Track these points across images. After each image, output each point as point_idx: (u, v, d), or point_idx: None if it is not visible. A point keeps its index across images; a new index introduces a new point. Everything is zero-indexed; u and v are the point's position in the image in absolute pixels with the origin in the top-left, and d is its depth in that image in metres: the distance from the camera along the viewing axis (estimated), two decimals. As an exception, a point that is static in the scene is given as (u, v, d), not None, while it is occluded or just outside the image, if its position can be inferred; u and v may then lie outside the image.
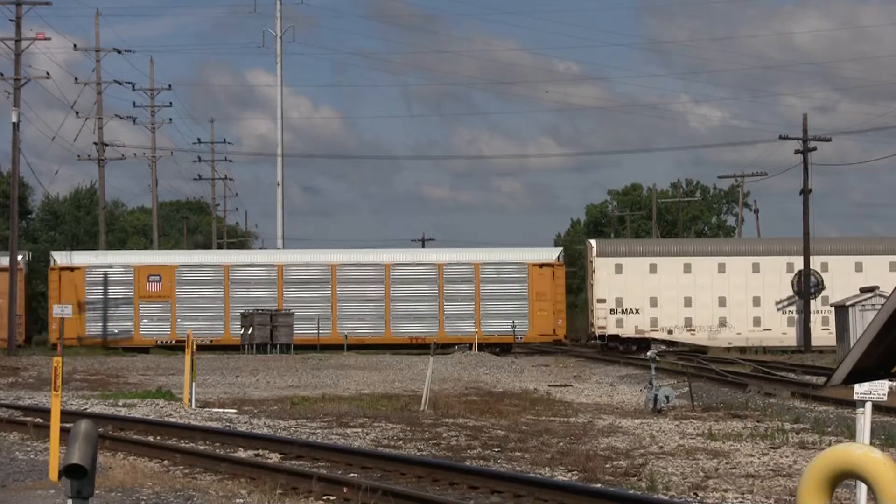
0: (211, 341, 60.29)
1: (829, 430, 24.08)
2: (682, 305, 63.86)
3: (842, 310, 54.68)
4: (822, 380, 36.04)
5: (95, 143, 74.97)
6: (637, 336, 63.65)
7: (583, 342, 68.03)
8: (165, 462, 19.75)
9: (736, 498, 16.27)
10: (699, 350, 61.98)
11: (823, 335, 62.20)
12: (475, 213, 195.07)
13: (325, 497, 16.22)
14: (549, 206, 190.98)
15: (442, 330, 61.44)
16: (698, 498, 16.28)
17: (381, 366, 48.05)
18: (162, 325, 61.11)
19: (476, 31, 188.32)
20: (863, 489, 12.26)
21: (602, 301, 63.79)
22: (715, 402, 30.82)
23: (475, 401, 31.44)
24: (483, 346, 60.87)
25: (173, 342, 60.39)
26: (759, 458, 20.16)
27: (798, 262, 63.54)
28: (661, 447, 21.66)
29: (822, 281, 63.16)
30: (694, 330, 63.69)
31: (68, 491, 10.09)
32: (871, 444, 13.15)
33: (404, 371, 45.04)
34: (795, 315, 63.34)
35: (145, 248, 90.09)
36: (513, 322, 61.15)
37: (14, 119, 58.16)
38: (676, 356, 54.33)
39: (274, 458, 20.26)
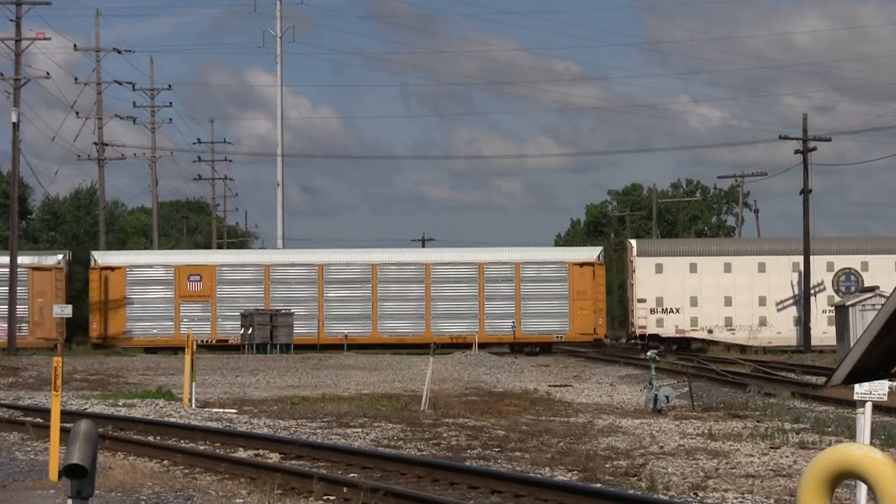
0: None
1: (829, 430, 24.08)
2: (722, 305, 63.87)
3: (842, 310, 54.65)
4: (822, 380, 36.03)
5: (95, 143, 74.96)
6: (677, 336, 63.74)
7: (622, 342, 67.92)
8: (165, 462, 19.75)
9: (736, 498, 16.26)
10: (741, 349, 62.03)
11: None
12: (475, 213, 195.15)
13: (325, 497, 16.21)
14: (549, 206, 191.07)
15: (482, 329, 61.49)
16: (698, 498, 16.28)
17: (381, 366, 48.04)
18: (202, 324, 61.06)
19: (475, 30, 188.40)
20: (863, 489, 12.26)
21: (642, 301, 63.93)
22: (715, 402, 30.82)
23: (475, 401, 31.44)
24: (524, 346, 61.12)
25: (214, 342, 60.45)
26: (759, 458, 20.16)
27: (838, 262, 63.58)
28: (661, 447, 21.66)
29: (862, 280, 62.97)
30: (734, 329, 63.66)
31: (68, 491, 10.09)
32: (871, 444, 13.14)
33: (404, 371, 45.03)
34: (833, 314, 63.13)
35: (145, 249, 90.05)
36: (512, 322, 61.13)
37: (14, 119, 58.15)
38: (676, 356, 54.33)
39: (274, 458, 20.26)
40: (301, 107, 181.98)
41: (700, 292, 63.96)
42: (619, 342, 70.71)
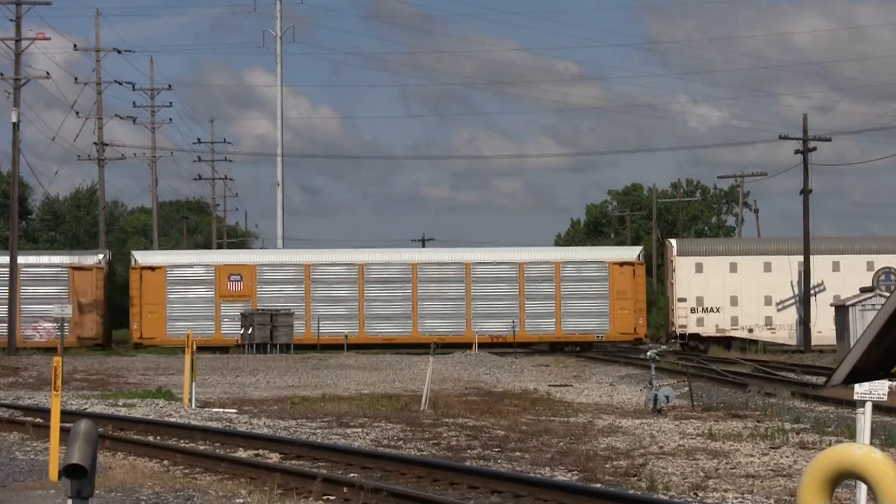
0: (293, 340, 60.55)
1: (829, 430, 24.08)
2: (762, 304, 63.82)
3: (842, 310, 54.64)
4: (822, 380, 36.02)
5: (95, 143, 74.97)
6: (718, 335, 63.75)
7: (662, 341, 67.98)
8: (165, 462, 19.75)
9: (736, 498, 16.26)
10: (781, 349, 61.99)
11: None
12: (474, 213, 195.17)
13: (325, 497, 16.21)
14: (549, 206, 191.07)
15: (523, 329, 61.55)
16: (698, 498, 16.28)
17: (380, 366, 48.05)
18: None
19: (475, 30, 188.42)
20: (863, 489, 12.26)
21: (683, 300, 63.98)
22: (715, 402, 30.81)
23: (475, 401, 31.43)
24: (564, 345, 61.18)
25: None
26: (759, 458, 20.16)
27: (878, 261, 63.55)
28: (661, 447, 21.66)
29: None
30: (774, 329, 63.62)
31: (68, 491, 10.09)
32: (871, 444, 13.14)
33: (404, 371, 45.03)
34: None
35: (145, 249, 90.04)
36: (512, 321, 61.15)
37: (14, 119, 58.16)
38: (677, 356, 54.30)
39: (274, 458, 20.26)
40: (301, 107, 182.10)
41: (740, 291, 64.01)
42: (658, 342, 70.52)
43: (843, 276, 63.51)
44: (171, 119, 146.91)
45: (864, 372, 11.08)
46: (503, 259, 62.86)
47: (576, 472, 18.57)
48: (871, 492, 8.74)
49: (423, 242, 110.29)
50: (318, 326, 60.95)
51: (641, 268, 63.10)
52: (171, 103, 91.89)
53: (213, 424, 25.04)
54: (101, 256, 63.11)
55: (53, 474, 17.44)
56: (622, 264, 62.31)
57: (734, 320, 63.90)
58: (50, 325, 60.46)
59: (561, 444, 22.16)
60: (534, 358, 56.42)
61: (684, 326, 63.87)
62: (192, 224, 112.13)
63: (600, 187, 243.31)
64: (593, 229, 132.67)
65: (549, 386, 37.83)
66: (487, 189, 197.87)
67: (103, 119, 75.89)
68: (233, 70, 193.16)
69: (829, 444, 19.00)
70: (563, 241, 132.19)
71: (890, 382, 12.76)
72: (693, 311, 63.91)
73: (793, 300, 63.87)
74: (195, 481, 17.82)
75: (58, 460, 17.22)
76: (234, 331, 60.42)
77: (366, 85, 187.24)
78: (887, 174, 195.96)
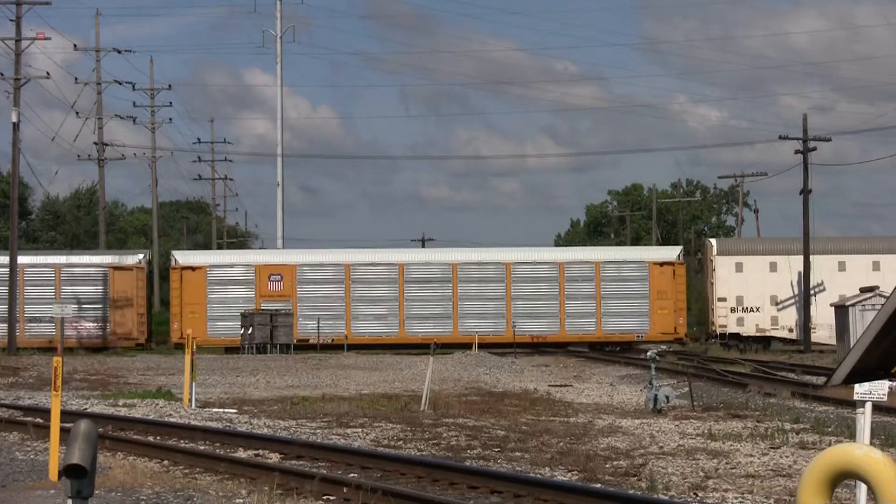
0: (332, 340, 60.72)
1: (829, 430, 24.07)
2: (802, 303, 63.72)
3: (842, 310, 54.62)
4: (822, 380, 36.01)
5: (95, 143, 75.01)
6: (758, 335, 63.65)
7: (702, 341, 68.08)
8: (165, 462, 19.75)
9: (736, 498, 16.26)
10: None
11: None
12: (474, 213, 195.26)
13: (324, 497, 16.21)
14: (548, 206, 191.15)
15: (563, 328, 61.62)
16: (698, 498, 16.27)
17: (380, 366, 48.04)
18: None
19: (473, 30, 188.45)
20: (863, 489, 12.25)
21: (723, 300, 63.93)
22: (715, 402, 30.80)
23: (475, 401, 31.44)
24: (605, 345, 61.35)
25: (294, 341, 60.47)
26: (759, 458, 20.16)
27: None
28: (661, 447, 21.65)
29: None
30: (815, 328, 63.57)
31: (68, 491, 10.10)
32: (871, 444, 13.14)
33: (404, 371, 45.04)
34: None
35: (145, 248, 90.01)
36: (507, 321, 61.17)
37: (14, 119, 58.14)
38: (677, 356, 54.28)
39: (274, 458, 20.26)
40: (300, 107, 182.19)
41: (780, 291, 63.90)
42: (698, 341, 70.42)
43: (884, 275, 62.97)
44: (171, 119, 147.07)
45: (864, 372, 11.09)
46: (543, 259, 63.04)
47: (576, 472, 18.57)
48: (871, 492, 8.74)
49: (423, 243, 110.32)
50: (353, 327, 61.08)
51: (682, 267, 63.16)
52: (171, 103, 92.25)
53: (213, 424, 25.03)
54: (141, 256, 63.44)
55: (53, 474, 17.44)
56: (662, 264, 62.39)
57: (774, 320, 63.75)
58: (91, 324, 60.67)
59: (561, 444, 22.15)
60: (534, 358, 56.41)
61: (724, 326, 63.86)
62: (192, 224, 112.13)
63: (600, 187, 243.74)
64: (593, 229, 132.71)
65: (549, 386, 37.84)
66: (487, 189, 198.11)
67: (103, 119, 75.97)
68: (232, 70, 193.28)
69: (829, 444, 19.00)
70: (563, 241, 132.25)
71: (890, 382, 12.76)
72: (733, 310, 63.88)
73: (830, 299, 63.66)
74: (195, 481, 17.82)
75: (58, 460, 17.22)
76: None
77: (365, 85, 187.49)
78: (887, 174, 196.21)
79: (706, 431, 23.88)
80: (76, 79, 75.64)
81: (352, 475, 17.68)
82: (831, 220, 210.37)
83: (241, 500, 15.92)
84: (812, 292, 64.30)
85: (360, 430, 24.45)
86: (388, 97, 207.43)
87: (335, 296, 61.53)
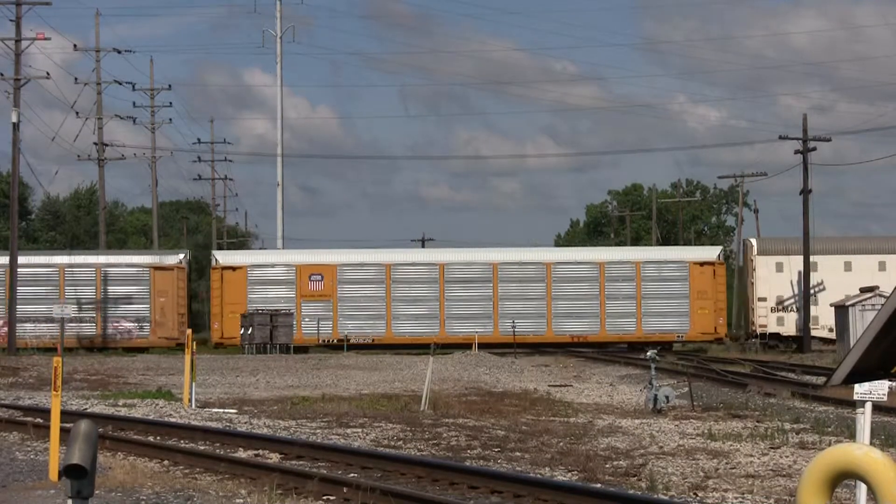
0: (373, 340, 60.65)
1: (829, 430, 24.07)
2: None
3: (842, 310, 54.62)
4: (822, 380, 36.01)
5: (95, 144, 74.97)
6: (798, 334, 63.55)
7: (742, 341, 67.97)
8: (165, 462, 19.75)
9: (736, 498, 16.26)
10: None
11: None
12: (474, 213, 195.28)
13: (324, 497, 16.22)
14: (548, 206, 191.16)
15: (603, 328, 61.70)
16: (698, 498, 16.27)
17: (380, 366, 48.04)
18: (324, 324, 61.18)
19: (473, 30, 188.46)
20: (863, 489, 12.26)
21: (763, 299, 63.78)
22: (715, 402, 30.80)
23: (475, 401, 31.44)
24: (645, 345, 61.08)
25: (335, 341, 60.54)
26: (759, 458, 20.16)
27: None
28: (661, 447, 21.65)
29: None
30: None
31: (68, 491, 10.10)
32: (871, 444, 13.14)
33: (404, 371, 45.03)
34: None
35: (145, 248, 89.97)
36: (513, 322, 61.14)
37: (14, 119, 58.13)
38: (677, 356, 54.28)
39: (274, 458, 20.26)
40: (300, 107, 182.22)
41: (820, 291, 63.74)
42: (738, 341, 70.19)
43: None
44: (170, 119, 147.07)
45: (863, 372, 11.09)
46: (584, 259, 63.16)
47: (576, 472, 18.57)
48: (871, 492, 8.74)
49: (423, 243, 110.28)
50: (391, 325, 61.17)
51: (721, 268, 63.19)
52: (170, 103, 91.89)
53: (213, 424, 25.03)
54: (181, 256, 63.60)
55: (53, 474, 17.44)
56: (702, 264, 62.38)
57: (814, 319, 63.59)
58: (131, 324, 60.79)
59: (561, 444, 22.15)
60: (533, 358, 56.40)
61: (764, 326, 63.75)
62: (192, 224, 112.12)
63: (599, 187, 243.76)
64: (593, 229, 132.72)
65: (549, 386, 37.83)
66: (487, 189, 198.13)
67: (103, 119, 75.92)
68: (232, 70, 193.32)
69: (829, 444, 19.00)
70: (562, 241, 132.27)
71: (890, 382, 12.77)
72: (773, 310, 63.75)
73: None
74: (195, 481, 17.82)
75: (58, 460, 17.22)
76: (314, 331, 60.80)
77: (365, 85, 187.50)
78: (887, 174, 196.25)
79: (706, 431, 23.88)
80: (76, 79, 75.62)
81: (352, 475, 17.68)
82: (831, 220, 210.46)
83: (241, 500, 15.92)
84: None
85: (360, 430, 24.45)
86: (388, 97, 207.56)
87: (376, 295, 61.53)
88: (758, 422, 25.93)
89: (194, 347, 29.60)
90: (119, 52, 75.50)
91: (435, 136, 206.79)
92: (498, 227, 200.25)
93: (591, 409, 29.90)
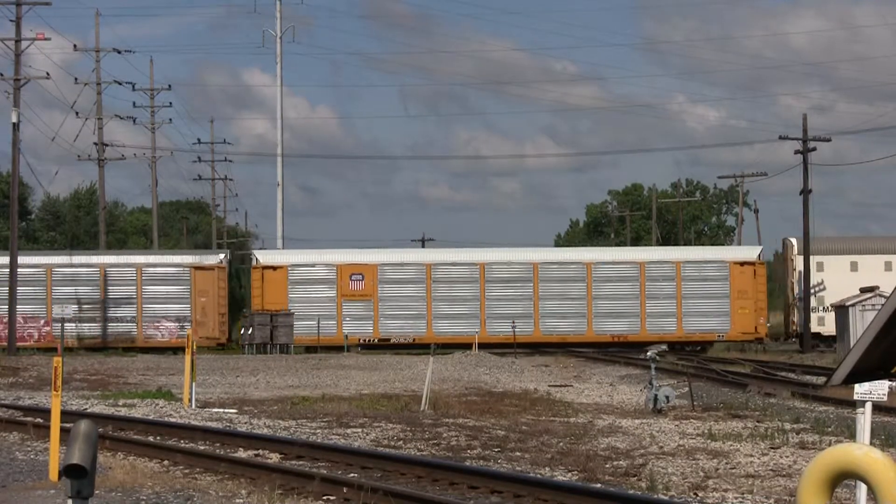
0: (413, 340, 60.69)
1: (829, 430, 24.07)
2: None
3: (842, 310, 54.61)
4: (822, 380, 36.00)
5: (95, 144, 74.97)
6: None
7: (782, 340, 67.75)
8: (165, 462, 19.75)
9: (736, 498, 16.26)
10: None
11: None
12: (474, 213, 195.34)
13: (324, 497, 16.22)
14: (548, 206, 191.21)
15: (644, 328, 61.71)
16: (698, 498, 16.27)
17: (380, 366, 48.04)
18: (364, 323, 61.17)
19: (473, 30, 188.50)
20: (863, 489, 12.26)
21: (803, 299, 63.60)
22: (715, 402, 30.80)
23: (475, 401, 31.43)
24: (685, 344, 61.33)
25: (376, 340, 60.56)
26: (759, 458, 20.16)
27: None
28: (661, 447, 21.65)
29: None
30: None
31: (68, 491, 10.10)
32: (871, 444, 13.14)
33: (404, 371, 45.03)
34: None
35: (145, 248, 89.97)
36: (513, 321, 61.10)
37: (14, 119, 58.12)
38: (677, 356, 54.27)
39: (274, 458, 20.26)
40: (299, 107, 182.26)
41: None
42: (778, 341, 69.92)
43: None
44: (170, 119, 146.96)
45: (864, 372, 11.09)
46: (624, 259, 63.22)
47: (576, 472, 18.57)
48: (871, 492, 8.74)
49: (423, 243, 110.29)
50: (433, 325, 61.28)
51: (762, 267, 63.09)
52: (170, 103, 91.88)
53: (213, 424, 25.03)
54: (222, 256, 63.82)
55: (53, 474, 17.44)
56: (742, 264, 62.33)
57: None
58: (171, 324, 60.91)
59: (561, 444, 22.15)
60: (534, 358, 56.39)
61: None
62: (192, 224, 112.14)
63: (600, 187, 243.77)
64: (593, 229, 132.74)
65: (550, 386, 37.82)
66: (487, 189, 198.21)
67: (103, 119, 75.92)
68: (232, 70, 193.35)
69: (829, 444, 19.00)
70: (562, 241, 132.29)
71: (890, 382, 12.77)
72: (814, 310, 63.61)
73: None
74: (195, 481, 17.82)
75: (58, 460, 17.22)
76: (354, 330, 60.78)
77: (365, 85, 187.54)
78: (887, 174, 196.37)
79: (706, 431, 23.87)
80: (76, 79, 75.60)
81: (352, 475, 17.68)
82: (831, 220, 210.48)
83: (241, 500, 15.92)
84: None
85: (360, 430, 24.45)
86: (388, 97, 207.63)
87: (416, 295, 61.55)
88: (758, 422, 25.93)
89: (195, 347, 29.59)
90: (119, 52, 75.51)
91: (435, 136, 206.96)
92: (498, 228, 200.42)
93: (591, 409, 29.89)
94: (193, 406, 28.66)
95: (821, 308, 63.78)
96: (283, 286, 61.10)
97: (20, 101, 58.84)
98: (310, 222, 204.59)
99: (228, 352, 60.01)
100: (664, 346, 60.58)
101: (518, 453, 20.78)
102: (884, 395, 13.25)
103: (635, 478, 17.93)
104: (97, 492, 13.58)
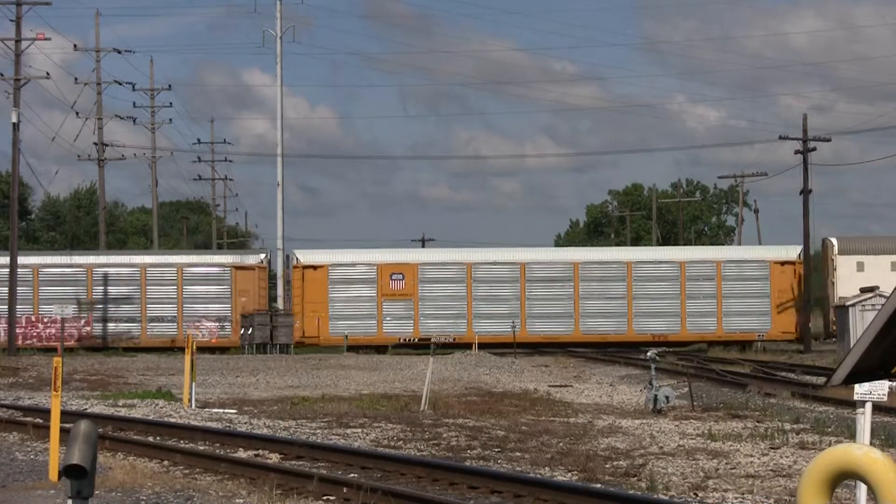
0: (454, 339, 60.61)
1: (829, 430, 24.07)
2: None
3: (842, 310, 54.59)
4: (822, 380, 35.99)
5: (95, 144, 74.97)
6: None
7: (821, 340, 67.61)
8: (165, 462, 19.75)
9: (736, 498, 16.27)
10: None
11: None
12: (474, 213, 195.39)
13: (324, 497, 16.22)
14: (548, 206, 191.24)
15: (684, 327, 61.67)
16: (698, 498, 16.28)
17: (380, 366, 48.03)
18: (405, 323, 61.16)
19: (473, 30, 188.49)
20: (863, 489, 12.25)
21: (844, 299, 63.43)
22: (715, 402, 30.79)
23: (475, 401, 31.42)
24: (725, 344, 61.30)
25: (416, 340, 60.58)
26: (759, 459, 20.16)
27: None
28: (661, 447, 21.66)
29: None
30: None
31: (68, 491, 10.10)
32: (871, 444, 13.14)
33: (404, 371, 45.02)
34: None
35: (145, 248, 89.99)
36: (512, 322, 61.11)
37: (14, 119, 58.10)
38: (677, 356, 54.25)
39: (274, 458, 20.26)
40: (299, 107, 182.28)
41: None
42: (818, 340, 69.68)
43: None
44: (170, 119, 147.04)
45: (864, 372, 11.08)
46: (665, 258, 63.21)
47: (576, 472, 18.57)
48: (871, 492, 8.74)
49: (423, 243, 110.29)
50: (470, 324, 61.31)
51: (802, 267, 62.98)
52: (170, 103, 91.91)
53: (213, 425, 25.03)
54: (263, 256, 63.86)
55: (53, 474, 17.44)
56: (783, 263, 62.30)
57: None
58: (212, 324, 60.95)
59: (561, 444, 22.15)
60: (533, 358, 56.39)
61: None
62: (192, 224, 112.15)
63: (600, 187, 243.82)
64: (593, 229, 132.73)
65: (549, 386, 37.81)
66: (486, 189, 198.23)
67: (103, 119, 75.92)
68: (232, 70, 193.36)
69: (829, 444, 19.00)
70: (563, 241, 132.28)
71: (890, 382, 12.76)
72: None
73: None
74: (195, 481, 17.82)
75: (58, 460, 17.22)
76: (395, 330, 60.77)
77: (364, 85, 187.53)
78: (887, 174, 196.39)
79: (706, 431, 23.87)
80: (76, 79, 75.60)
81: (352, 475, 17.68)
82: (831, 220, 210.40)
83: (241, 500, 15.92)
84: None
85: (360, 430, 24.45)
86: (388, 97, 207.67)
87: (457, 294, 61.53)
88: (758, 422, 25.93)
89: (193, 350, 29.58)
90: (119, 52, 75.51)
91: (435, 136, 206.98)
92: (498, 228, 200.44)
93: (591, 409, 29.89)
94: (193, 406, 28.66)
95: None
96: (323, 285, 61.02)
97: (20, 101, 58.85)
98: (310, 222, 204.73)
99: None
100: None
101: (518, 453, 20.78)
102: (884, 395, 13.24)
103: (635, 478, 17.93)
104: (97, 492, 13.58)
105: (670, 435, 23.62)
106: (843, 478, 8.85)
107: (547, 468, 19.03)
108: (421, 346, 59.44)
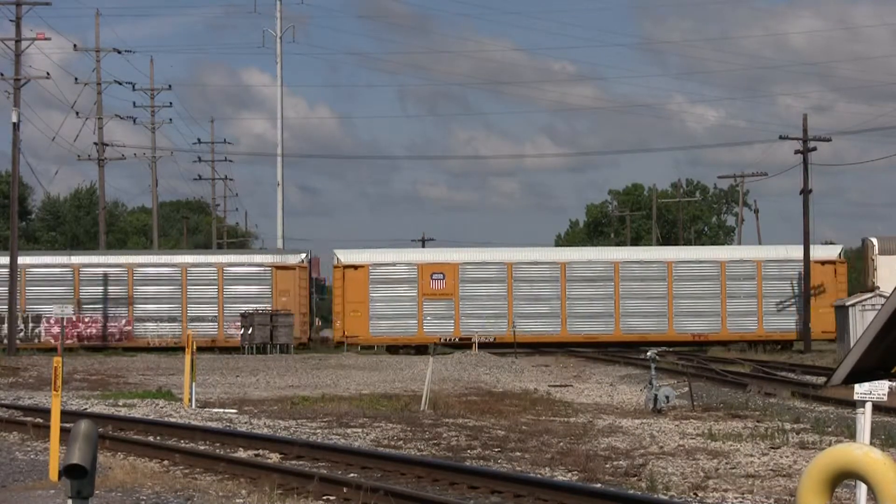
0: (494, 339, 60.57)
1: (829, 430, 24.08)
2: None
3: (842, 310, 54.59)
4: (822, 380, 35.99)
5: (95, 144, 74.97)
6: None
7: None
8: (165, 462, 19.75)
9: (736, 498, 16.27)
10: None
11: None
12: (473, 213, 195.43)
13: (324, 497, 16.22)
14: (547, 206, 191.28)
15: (724, 327, 61.62)
16: (698, 498, 16.28)
17: (380, 366, 48.04)
18: (445, 322, 61.10)
19: (472, 30, 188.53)
20: (863, 489, 12.26)
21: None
22: (715, 402, 30.80)
23: (475, 401, 31.43)
24: (765, 343, 61.20)
25: (457, 339, 60.54)
26: (759, 458, 20.16)
27: None
28: (661, 447, 21.66)
29: None
30: None
31: (68, 491, 10.10)
32: (871, 444, 13.14)
33: (404, 371, 45.03)
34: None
35: (145, 248, 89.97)
36: (512, 322, 61.13)
37: (14, 119, 58.12)
38: (677, 356, 54.26)
39: (274, 458, 20.26)
40: (298, 107, 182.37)
41: None
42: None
43: None
44: (170, 119, 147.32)
45: (864, 372, 11.08)
46: (704, 257, 63.13)
47: (576, 472, 18.57)
48: (871, 492, 8.74)
49: (423, 242, 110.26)
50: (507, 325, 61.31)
51: (843, 266, 62.92)
52: (170, 103, 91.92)
53: (213, 424, 25.04)
54: (303, 255, 63.79)
55: (53, 474, 17.44)
56: (823, 263, 62.24)
57: None
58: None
59: (561, 444, 22.16)
60: (534, 358, 56.41)
61: None
62: (192, 224, 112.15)
63: (599, 187, 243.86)
64: (593, 229, 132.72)
65: (550, 386, 37.82)
66: (486, 189, 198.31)
67: (103, 119, 75.92)
68: (232, 70, 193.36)
69: (829, 444, 19.00)
70: (562, 241, 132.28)
71: (890, 382, 12.76)
72: None
73: None
74: (195, 481, 17.82)
75: (58, 460, 17.22)
76: (436, 329, 60.75)
77: (364, 85, 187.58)
78: (886, 174, 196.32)
79: (706, 431, 23.88)
80: (76, 79, 75.59)
81: (352, 475, 17.68)
82: (831, 220, 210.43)
83: (241, 500, 15.92)
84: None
85: (360, 430, 24.45)
86: (387, 97, 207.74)
87: (498, 294, 61.48)
88: (758, 422, 25.93)
89: (193, 350, 29.58)
90: (119, 52, 75.50)
91: (434, 135, 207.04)
92: (497, 228, 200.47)
93: (591, 409, 29.89)
94: (193, 406, 28.66)
95: None
96: (363, 285, 60.99)
97: (20, 101, 58.86)
98: (309, 222, 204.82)
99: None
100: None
101: (518, 453, 20.78)
102: (884, 395, 13.24)
103: (635, 478, 17.94)
104: (97, 492, 13.58)
105: (670, 435, 23.62)
106: (843, 478, 8.86)
107: (547, 468, 19.03)
108: (461, 346, 59.32)
